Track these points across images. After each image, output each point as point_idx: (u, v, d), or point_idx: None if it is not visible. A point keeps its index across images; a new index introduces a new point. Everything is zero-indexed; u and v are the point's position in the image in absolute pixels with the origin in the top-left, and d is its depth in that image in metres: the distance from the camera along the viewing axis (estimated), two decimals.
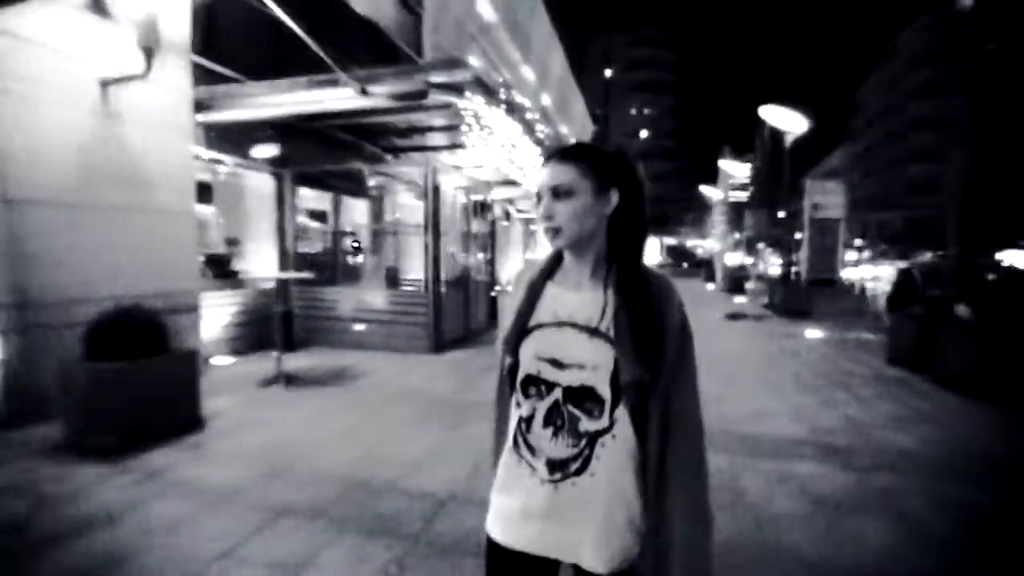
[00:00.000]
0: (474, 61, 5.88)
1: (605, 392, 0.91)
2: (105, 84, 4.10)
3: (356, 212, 9.81)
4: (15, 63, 3.63)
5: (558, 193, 0.96)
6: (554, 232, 0.97)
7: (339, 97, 5.11)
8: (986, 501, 2.88)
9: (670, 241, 49.99)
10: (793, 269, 18.07)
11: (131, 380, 3.30)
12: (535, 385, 0.97)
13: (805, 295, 12.30)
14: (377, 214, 9.73)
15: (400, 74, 5.23)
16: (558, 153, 0.99)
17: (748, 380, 5.57)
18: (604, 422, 0.92)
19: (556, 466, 0.94)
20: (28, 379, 3.69)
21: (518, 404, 1.00)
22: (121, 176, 4.30)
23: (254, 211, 7.07)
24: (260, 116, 5.75)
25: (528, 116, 6.93)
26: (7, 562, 2.10)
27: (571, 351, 0.94)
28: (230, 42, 6.29)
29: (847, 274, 24.36)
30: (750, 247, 34.28)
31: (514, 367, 1.01)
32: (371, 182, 8.81)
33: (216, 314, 5.86)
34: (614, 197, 0.96)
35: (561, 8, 18.47)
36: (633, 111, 62.86)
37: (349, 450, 3.35)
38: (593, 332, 0.93)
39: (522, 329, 1.00)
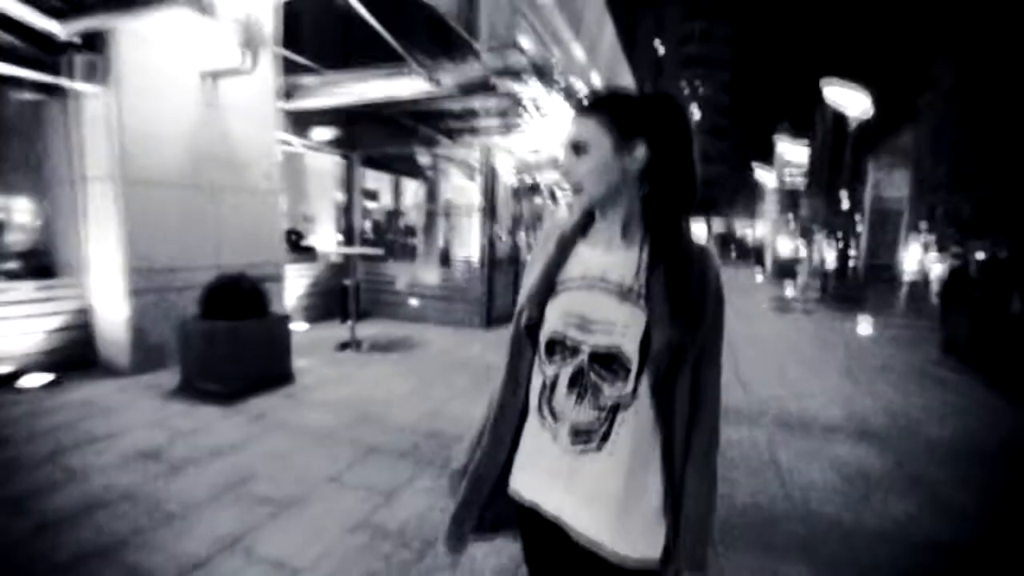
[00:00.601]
0: (526, 42, 6.04)
1: (633, 356, 0.87)
2: (210, 77, 4.62)
3: (408, 192, 10.29)
4: (135, 58, 4.17)
5: (577, 149, 0.91)
6: (576, 189, 0.93)
7: (409, 87, 5.48)
8: (1016, 486, 3.02)
9: (718, 227, 48.58)
10: (851, 254, 17.40)
11: (237, 337, 3.86)
12: (560, 347, 0.93)
13: (860, 285, 12.01)
14: (430, 194, 10.17)
15: (463, 63, 5.53)
16: (579, 105, 0.93)
17: (792, 366, 5.70)
18: (628, 390, 0.88)
19: (579, 433, 0.91)
20: (148, 334, 4.35)
21: (542, 367, 0.96)
22: (221, 160, 4.86)
23: (314, 190, 7.60)
24: (338, 104, 6.19)
25: (582, 98, 7.09)
26: (160, 476, 2.65)
27: (601, 311, 0.89)
28: (303, 33, 6.75)
29: (907, 264, 23.16)
30: (804, 234, 32.90)
31: (536, 326, 0.96)
32: (425, 163, 9.22)
33: (292, 285, 6.47)
34: (640, 150, 0.89)
35: None
36: (685, 87, 60.55)
37: (419, 406, 3.82)
38: (625, 293, 0.88)
39: (550, 286, 0.95)
